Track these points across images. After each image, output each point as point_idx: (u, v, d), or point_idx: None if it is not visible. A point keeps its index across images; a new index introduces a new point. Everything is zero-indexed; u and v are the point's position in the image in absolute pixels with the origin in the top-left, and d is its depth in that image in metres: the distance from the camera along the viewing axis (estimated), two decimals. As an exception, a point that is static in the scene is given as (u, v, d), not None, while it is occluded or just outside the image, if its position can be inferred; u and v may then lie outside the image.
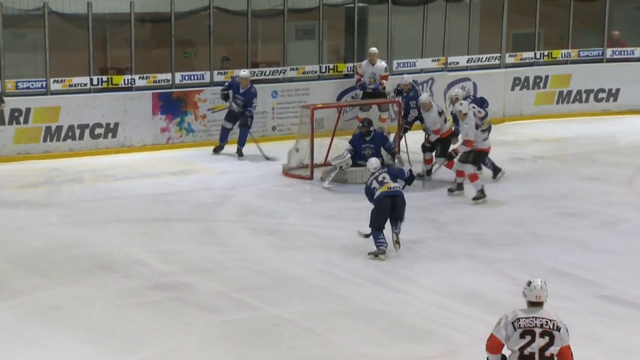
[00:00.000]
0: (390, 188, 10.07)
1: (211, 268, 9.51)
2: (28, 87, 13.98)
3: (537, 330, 5.85)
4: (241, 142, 14.02)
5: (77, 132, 14.17)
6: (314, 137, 13.11)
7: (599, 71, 17.28)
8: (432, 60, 16.48)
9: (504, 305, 8.49)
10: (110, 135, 14.34)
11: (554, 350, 5.83)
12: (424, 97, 13.27)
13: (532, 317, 5.89)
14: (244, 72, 14.05)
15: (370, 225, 10.00)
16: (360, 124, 12.80)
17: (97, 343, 7.68)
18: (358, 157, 12.53)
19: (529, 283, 6.02)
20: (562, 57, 17.24)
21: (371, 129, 12.62)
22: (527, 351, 5.82)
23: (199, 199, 12.05)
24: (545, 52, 17.20)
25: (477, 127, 11.94)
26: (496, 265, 9.62)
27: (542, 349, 5.81)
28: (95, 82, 14.31)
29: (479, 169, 12.44)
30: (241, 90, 13.91)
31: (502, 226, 10.97)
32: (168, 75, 14.71)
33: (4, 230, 10.63)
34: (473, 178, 11.83)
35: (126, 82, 14.48)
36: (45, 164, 13.62)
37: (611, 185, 12.80)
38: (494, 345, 5.94)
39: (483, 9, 17.42)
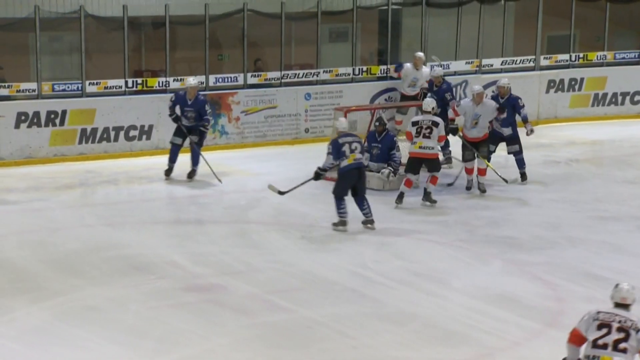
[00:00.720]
0: (356, 159, 10.67)
1: (244, 270, 9.54)
2: (64, 90, 14.13)
3: (614, 325, 6.14)
4: (195, 161, 12.86)
5: (112, 134, 14.29)
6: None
7: (635, 73, 17.14)
8: (466, 63, 16.42)
9: (538, 309, 8.47)
10: (144, 137, 14.44)
11: (628, 346, 6.06)
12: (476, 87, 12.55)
13: (612, 313, 6.21)
14: (192, 80, 12.90)
15: (333, 193, 10.69)
16: (377, 123, 12.70)
17: (131, 344, 7.73)
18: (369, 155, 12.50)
19: (616, 285, 6.36)
20: (597, 59, 17.11)
21: (386, 127, 12.57)
22: (601, 341, 6.12)
23: (232, 201, 12.10)
24: (581, 55, 17.08)
25: (418, 131, 11.59)
26: (530, 269, 9.56)
27: (617, 342, 6.08)
28: (130, 85, 14.43)
29: (415, 173, 11.83)
30: (189, 102, 12.68)
31: (537, 229, 10.89)
32: (202, 78, 14.79)
33: (39, 232, 10.74)
34: (406, 182, 11.72)
35: (160, 84, 14.59)
36: (81, 166, 13.76)
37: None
38: (574, 336, 6.25)
39: (518, 10, 17.33)
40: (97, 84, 14.28)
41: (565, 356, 6.32)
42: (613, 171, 13.72)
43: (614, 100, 17.14)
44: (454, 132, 12.51)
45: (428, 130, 11.57)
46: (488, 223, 11.15)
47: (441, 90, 13.71)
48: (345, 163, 10.63)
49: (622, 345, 6.08)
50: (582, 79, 16.97)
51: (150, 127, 14.47)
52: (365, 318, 8.30)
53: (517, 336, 7.96)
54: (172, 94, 12.95)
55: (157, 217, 11.38)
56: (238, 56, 15.27)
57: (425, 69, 14.82)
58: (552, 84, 16.84)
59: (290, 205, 11.78)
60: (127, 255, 9.91)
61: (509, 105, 12.64)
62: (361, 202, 10.74)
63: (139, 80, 14.55)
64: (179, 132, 12.84)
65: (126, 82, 14.39)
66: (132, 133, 14.40)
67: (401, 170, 12.32)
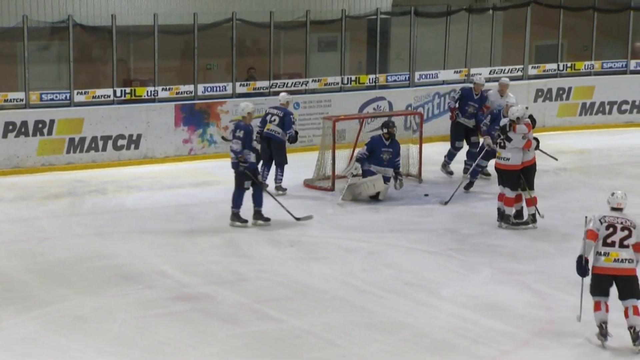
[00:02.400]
0: (269, 130, 12.31)
1: (232, 279, 9.51)
2: (52, 99, 14.09)
3: (619, 226, 7.89)
4: (261, 202, 11.38)
5: (100, 143, 14.24)
6: (335, 148, 13.10)
7: (622, 83, 17.20)
8: (455, 72, 16.45)
9: (527, 318, 8.47)
10: (132, 146, 14.41)
11: (631, 241, 7.85)
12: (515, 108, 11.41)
13: (615, 216, 7.95)
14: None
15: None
16: (391, 123, 12.59)
17: (119, 354, 7.69)
18: (375, 161, 12.43)
19: (613, 193, 8.07)
20: (585, 68, 17.17)
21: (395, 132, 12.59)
22: (610, 239, 7.86)
23: (221, 210, 12.05)
24: (569, 64, 17.14)
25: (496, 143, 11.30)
26: (520, 278, 9.57)
27: (622, 239, 7.86)
28: (118, 94, 14.40)
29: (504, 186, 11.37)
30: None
31: (526, 238, 10.90)
32: (190, 87, 14.77)
33: (28, 241, 10.69)
34: (506, 200, 11.33)
35: (149, 93, 14.56)
36: (69, 175, 13.70)
37: (636, 198, 12.62)
38: (591, 234, 7.87)
39: (506, 20, 17.38)
40: (85, 93, 14.24)
41: (581, 253, 7.88)
42: (601, 180, 13.74)
43: (601, 109, 17.19)
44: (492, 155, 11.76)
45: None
46: (477, 232, 11.15)
47: (483, 98, 13.36)
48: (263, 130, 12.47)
49: (626, 242, 7.86)
50: (570, 88, 17.02)
51: (139, 136, 14.43)
52: (354, 327, 8.28)
53: (506, 345, 7.96)
54: (257, 122, 12.11)
55: (145, 226, 11.33)
56: (227, 65, 15.26)
57: (511, 98, 13.01)
58: (540, 93, 16.88)
59: (279, 215, 11.76)
60: (115, 264, 9.86)
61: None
62: (275, 170, 12.42)
63: (128, 90, 14.52)
64: (246, 175, 11.18)
65: (114, 92, 14.36)
66: (121, 142, 14.36)
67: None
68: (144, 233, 11.06)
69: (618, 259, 7.83)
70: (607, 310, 7.90)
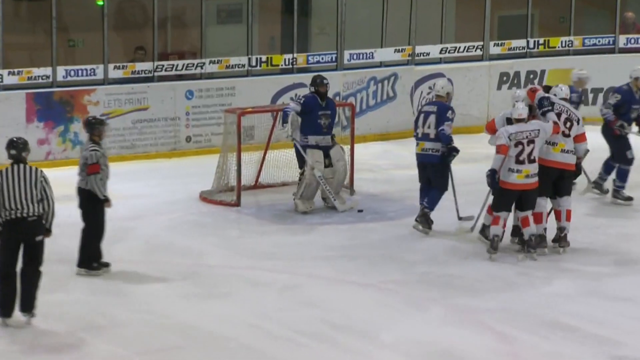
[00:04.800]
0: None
1: (105, 324, 9.45)
2: None
3: (525, 141, 10.66)
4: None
5: None
6: (241, 150, 13.11)
7: (609, 64, 17.51)
8: (395, 51, 16.60)
9: (490, 369, 8.57)
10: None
11: (536, 153, 10.63)
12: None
13: (520, 131, 10.67)
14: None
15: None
16: (319, 79, 12.64)
17: None
18: (310, 129, 12.43)
19: (514, 105, 10.82)
20: (562, 46, 17.49)
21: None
22: (521, 157, 10.62)
23: (90, 233, 11.95)
24: (541, 40, 17.44)
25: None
26: (479, 317, 9.69)
27: (529, 154, 10.64)
28: (-51, 79, 14.23)
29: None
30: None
31: (487, 266, 11.04)
32: (48, 70, 14.64)
33: None
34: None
35: (-9, 79, 14.42)
36: None
37: (628, 212, 12.93)
38: (505, 149, 10.58)
39: (460, -16, 17.63)
40: None
41: (492, 167, 10.66)
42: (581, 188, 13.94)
43: (583, 98, 17.49)
44: None
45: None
46: (426, 258, 11.25)
47: (579, 96, 13.16)
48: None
49: (533, 155, 10.63)
50: (542, 72, 17.30)
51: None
52: (266, 385, 8.31)
53: (464, 404, 8.06)
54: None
55: (-13, 255, 11.17)
56: (96, 42, 15.13)
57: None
58: (505, 78, 17.14)
59: (167, 238, 11.72)
60: (-53, 307, 9.71)
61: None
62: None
63: (-37, 74, 14.37)
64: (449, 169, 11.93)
65: (-55, 76, 14.20)
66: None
67: None
68: (-14, 264, 10.90)
69: (529, 175, 10.65)
70: (504, 226, 10.79)
